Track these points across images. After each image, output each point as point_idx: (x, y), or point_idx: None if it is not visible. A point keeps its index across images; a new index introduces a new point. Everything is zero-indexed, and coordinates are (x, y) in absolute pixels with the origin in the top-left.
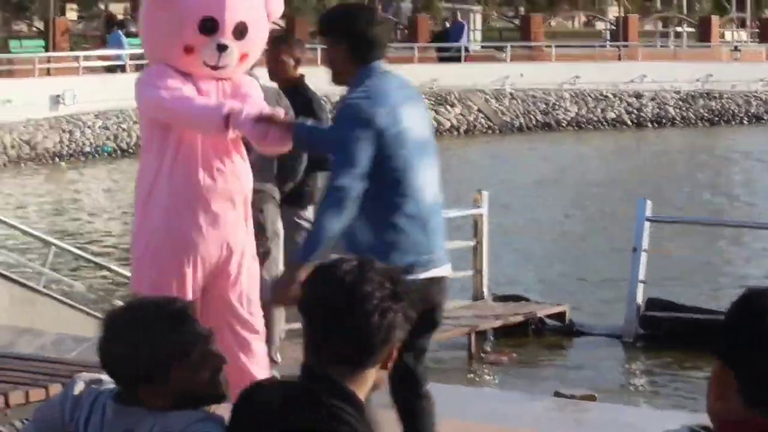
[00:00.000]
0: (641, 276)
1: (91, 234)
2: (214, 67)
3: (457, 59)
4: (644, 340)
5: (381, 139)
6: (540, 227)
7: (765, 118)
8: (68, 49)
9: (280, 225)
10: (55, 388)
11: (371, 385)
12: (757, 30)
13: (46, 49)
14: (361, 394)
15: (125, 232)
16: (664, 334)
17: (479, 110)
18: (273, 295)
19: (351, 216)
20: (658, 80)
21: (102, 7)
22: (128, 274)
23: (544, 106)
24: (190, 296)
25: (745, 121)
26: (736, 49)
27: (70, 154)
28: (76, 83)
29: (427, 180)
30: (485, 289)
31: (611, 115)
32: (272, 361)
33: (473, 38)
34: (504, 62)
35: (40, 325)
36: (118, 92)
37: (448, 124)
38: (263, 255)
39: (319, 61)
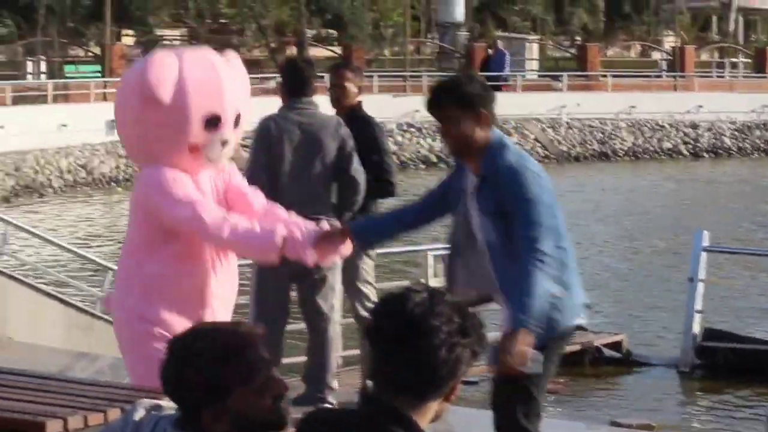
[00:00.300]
0: (698, 306)
1: None
2: (215, 162)
3: (498, 88)
4: (701, 370)
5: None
6: (597, 256)
7: None
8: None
9: None
10: (114, 413)
11: (433, 416)
12: None
13: (102, 75)
14: (423, 423)
15: None
16: (721, 364)
17: (536, 139)
18: (500, 364)
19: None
20: (714, 110)
21: (158, 33)
22: None
23: (600, 135)
24: None
25: None
26: None
27: (125, 179)
28: None
29: None
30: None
31: (667, 145)
32: (329, 388)
33: (530, 67)
34: (560, 91)
35: (97, 349)
36: None
37: None
38: (319, 282)
39: (374, 89)
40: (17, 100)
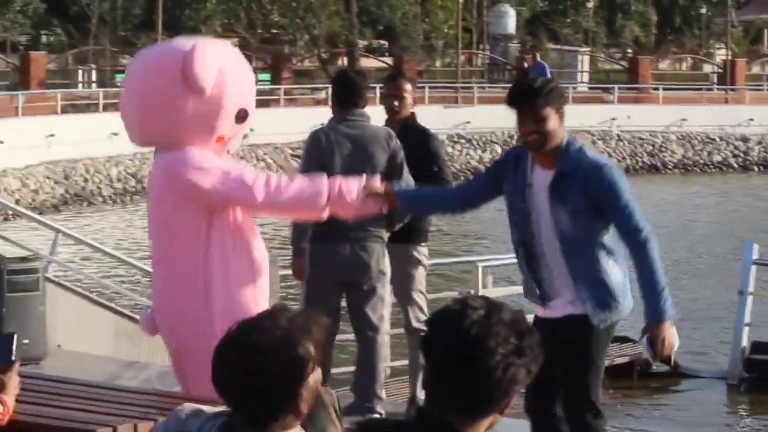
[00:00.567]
0: (747, 319)
1: None
2: (231, 154)
3: None
4: (749, 383)
5: None
6: None
7: None
8: None
9: (386, 264)
10: None
11: (486, 428)
12: None
13: None
14: None
15: None
16: None
17: None
18: (653, 355)
19: None
20: (764, 124)
21: None
22: None
23: (650, 148)
24: None
25: None
26: None
27: None
28: None
29: None
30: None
31: (717, 158)
32: (378, 398)
33: (581, 79)
34: (611, 104)
35: (145, 357)
36: None
37: None
38: (369, 292)
39: (425, 101)
40: (68, 109)
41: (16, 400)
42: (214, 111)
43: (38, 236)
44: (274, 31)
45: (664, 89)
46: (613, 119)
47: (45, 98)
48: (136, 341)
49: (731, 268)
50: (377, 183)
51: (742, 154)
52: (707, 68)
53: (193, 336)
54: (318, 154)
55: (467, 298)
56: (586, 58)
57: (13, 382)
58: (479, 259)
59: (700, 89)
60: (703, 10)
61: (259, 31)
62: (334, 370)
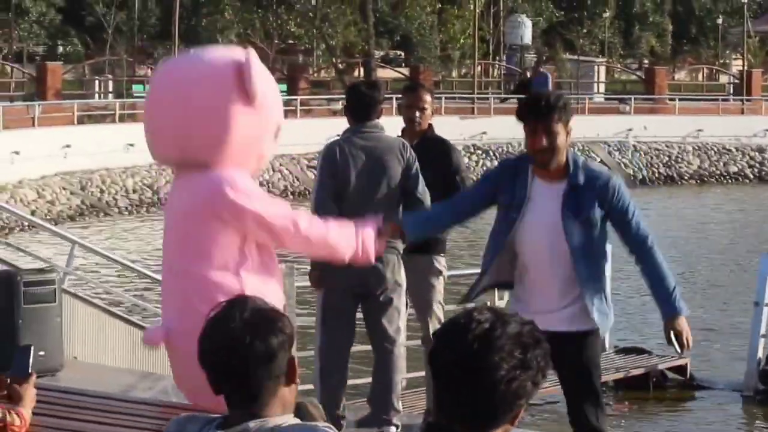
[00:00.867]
0: (762, 330)
1: None
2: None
3: None
4: (764, 395)
5: None
6: None
7: None
8: None
9: (402, 275)
10: None
11: None
12: None
13: None
14: None
15: None
16: None
17: (602, 162)
18: (681, 346)
19: None
20: None
21: None
22: None
23: (666, 158)
24: None
25: None
26: None
27: None
28: None
29: None
30: (607, 341)
31: (733, 168)
32: (394, 410)
33: (597, 90)
34: (627, 114)
35: (161, 369)
36: None
37: None
38: (385, 304)
39: (442, 111)
40: (84, 119)
41: (33, 413)
42: (263, 127)
43: (54, 247)
44: (290, 41)
45: (680, 100)
46: (630, 130)
47: (61, 109)
48: (152, 352)
49: (747, 279)
50: (385, 228)
51: (758, 165)
52: (723, 79)
53: None
54: (333, 167)
55: (475, 310)
56: (603, 69)
57: (30, 394)
58: None
59: (716, 100)
60: (720, 21)
61: (276, 41)
62: (350, 382)
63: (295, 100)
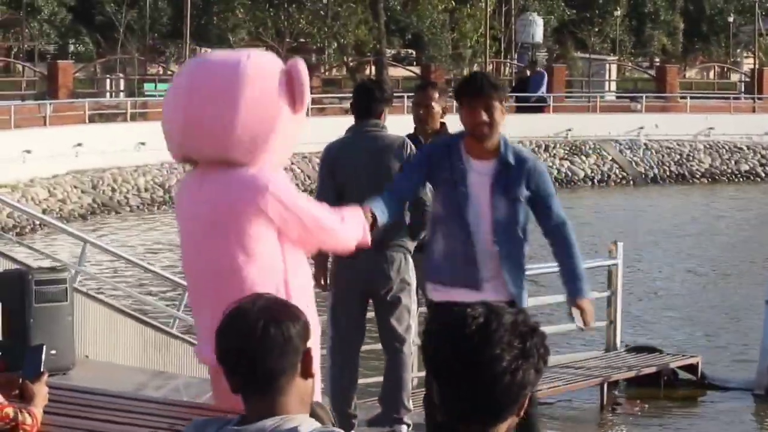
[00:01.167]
0: None
1: None
2: None
3: (539, 110)
4: None
5: None
6: (673, 279)
7: None
8: None
9: (411, 275)
10: None
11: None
12: None
13: None
14: None
15: None
16: None
17: (613, 160)
18: (583, 324)
19: None
20: None
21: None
22: None
23: (678, 157)
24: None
25: None
26: None
27: None
28: None
29: None
30: (618, 340)
31: (745, 167)
32: (404, 408)
33: (608, 88)
34: (639, 113)
35: (172, 368)
36: None
37: (581, 174)
38: (394, 303)
39: (453, 110)
40: (95, 118)
41: (45, 412)
42: (298, 126)
43: (66, 246)
44: (302, 40)
45: (692, 98)
46: (641, 128)
47: (73, 107)
48: (164, 351)
49: (759, 278)
50: (366, 213)
51: None
52: (735, 77)
53: None
54: (332, 166)
55: (467, 305)
56: (614, 67)
57: (42, 393)
58: None
59: (728, 98)
60: (731, 19)
61: (287, 40)
62: (361, 381)
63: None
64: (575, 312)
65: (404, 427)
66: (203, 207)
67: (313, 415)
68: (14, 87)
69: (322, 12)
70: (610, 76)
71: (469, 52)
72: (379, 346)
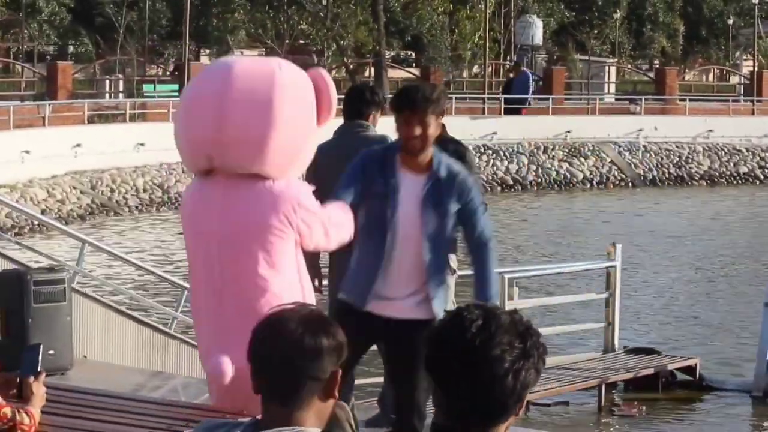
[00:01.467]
0: None
1: None
2: None
3: (518, 111)
4: None
5: None
6: (672, 281)
7: None
8: None
9: None
10: None
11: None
12: None
13: (180, 94)
14: None
15: None
16: None
17: (612, 162)
18: None
19: None
20: None
21: (237, 52)
22: None
23: (677, 159)
24: None
25: None
26: None
27: None
28: None
29: None
30: (616, 342)
31: (744, 169)
32: None
33: (608, 90)
34: (638, 115)
35: (171, 368)
36: None
37: (580, 176)
38: None
39: (452, 111)
40: (94, 119)
41: (43, 412)
42: (318, 137)
43: (64, 246)
44: (301, 41)
45: (691, 100)
46: (640, 130)
47: (72, 108)
48: (162, 351)
49: (757, 280)
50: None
51: None
52: (734, 79)
53: None
54: (313, 167)
55: (462, 309)
56: (613, 69)
57: (40, 393)
58: (506, 270)
59: (727, 101)
60: (730, 22)
61: (287, 41)
62: (360, 381)
63: None
64: None
65: None
66: (229, 219)
67: (332, 414)
68: (13, 87)
69: (321, 13)
70: (609, 78)
71: (469, 54)
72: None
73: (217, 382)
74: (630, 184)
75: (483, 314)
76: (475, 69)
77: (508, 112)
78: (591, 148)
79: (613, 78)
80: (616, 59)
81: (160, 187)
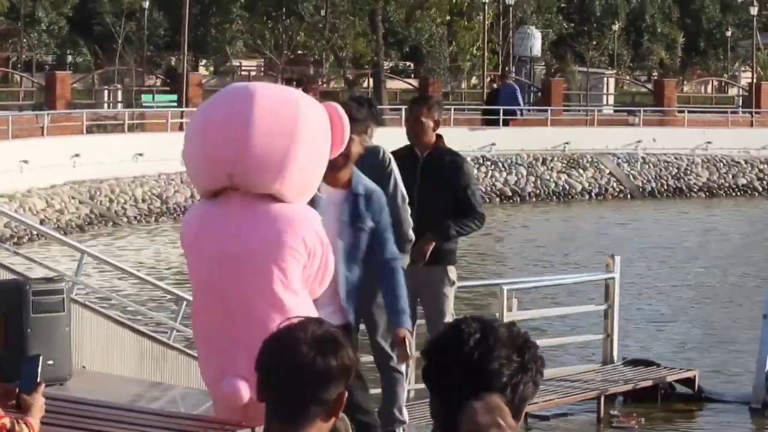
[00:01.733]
0: None
1: None
2: None
3: (506, 122)
4: None
5: None
6: (670, 292)
7: None
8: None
9: None
10: None
11: None
12: None
13: (179, 104)
14: None
15: None
16: None
17: (611, 174)
18: (403, 358)
19: None
20: None
21: (235, 63)
22: None
23: (675, 170)
24: None
25: None
26: None
27: None
28: None
29: None
30: (615, 353)
31: (742, 181)
32: (398, 421)
33: (606, 101)
34: (636, 126)
35: (170, 379)
36: None
37: (579, 187)
38: (377, 320)
39: (451, 122)
40: (93, 129)
41: (42, 422)
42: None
43: (63, 257)
44: (299, 52)
45: (690, 112)
46: (639, 142)
47: (70, 118)
48: (161, 362)
49: (756, 291)
50: None
51: (766, 178)
52: (732, 91)
53: None
54: None
55: (460, 322)
56: (612, 81)
57: (39, 404)
58: (505, 282)
59: (726, 112)
60: (729, 33)
61: (285, 52)
62: None
63: None
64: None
65: None
66: (247, 238)
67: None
68: (12, 97)
69: (320, 24)
70: (608, 90)
71: (468, 65)
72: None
73: (232, 404)
74: (628, 196)
75: (481, 327)
76: (474, 80)
77: (490, 123)
78: (589, 159)
79: (611, 89)
80: (614, 71)
81: (158, 198)
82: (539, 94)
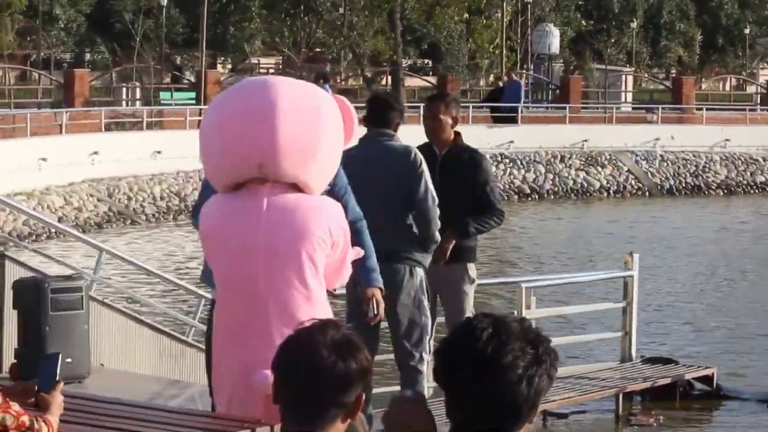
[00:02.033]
0: None
1: None
2: None
3: (513, 120)
4: None
5: None
6: (689, 290)
7: None
8: None
9: (416, 288)
10: None
11: None
12: None
13: (197, 101)
14: None
15: None
16: None
17: (629, 171)
18: (374, 317)
19: None
20: None
21: (253, 60)
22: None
23: (693, 168)
24: None
25: None
26: None
27: None
28: None
29: None
30: (633, 351)
31: (761, 178)
32: None
33: (624, 99)
34: (655, 124)
35: (188, 376)
36: None
37: (597, 185)
38: (399, 317)
39: (469, 120)
40: (111, 127)
41: (61, 420)
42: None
43: (81, 254)
44: (317, 49)
45: (708, 110)
46: (657, 139)
47: (89, 116)
48: (179, 360)
49: None
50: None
51: None
52: (751, 89)
53: None
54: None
55: (471, 319)
56: (630, 78)
57: (58, 401)
58: (523, 280)
59: (744, 110)
60: (747, 30)
61: (303, 49)
62: (377, 390)
63: None
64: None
65: None
66: (277, 228)
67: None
68: (30, 95)
69: (338, 21)
70: (626, 87)
71: (486, 62)
72: (392, 355)
73: (263, 394)
74: (647, 193)
75: (493, 323)
76: (492, 78)
77: (498, 120)
78: (608, 157)
79: (629, 87)
80: (633, 68)
81: (177, 195)
82: (557, 91)
